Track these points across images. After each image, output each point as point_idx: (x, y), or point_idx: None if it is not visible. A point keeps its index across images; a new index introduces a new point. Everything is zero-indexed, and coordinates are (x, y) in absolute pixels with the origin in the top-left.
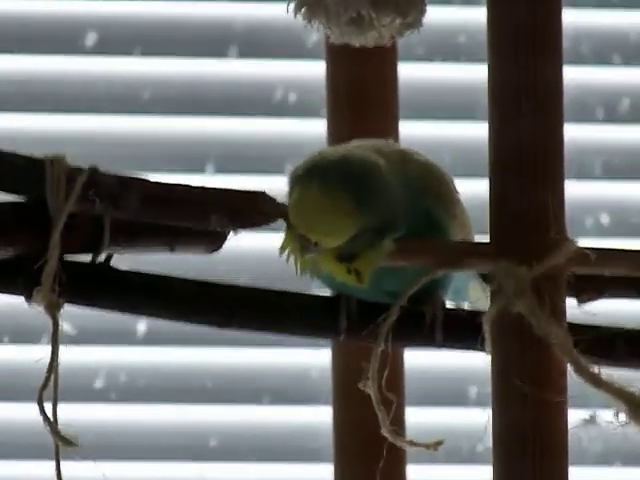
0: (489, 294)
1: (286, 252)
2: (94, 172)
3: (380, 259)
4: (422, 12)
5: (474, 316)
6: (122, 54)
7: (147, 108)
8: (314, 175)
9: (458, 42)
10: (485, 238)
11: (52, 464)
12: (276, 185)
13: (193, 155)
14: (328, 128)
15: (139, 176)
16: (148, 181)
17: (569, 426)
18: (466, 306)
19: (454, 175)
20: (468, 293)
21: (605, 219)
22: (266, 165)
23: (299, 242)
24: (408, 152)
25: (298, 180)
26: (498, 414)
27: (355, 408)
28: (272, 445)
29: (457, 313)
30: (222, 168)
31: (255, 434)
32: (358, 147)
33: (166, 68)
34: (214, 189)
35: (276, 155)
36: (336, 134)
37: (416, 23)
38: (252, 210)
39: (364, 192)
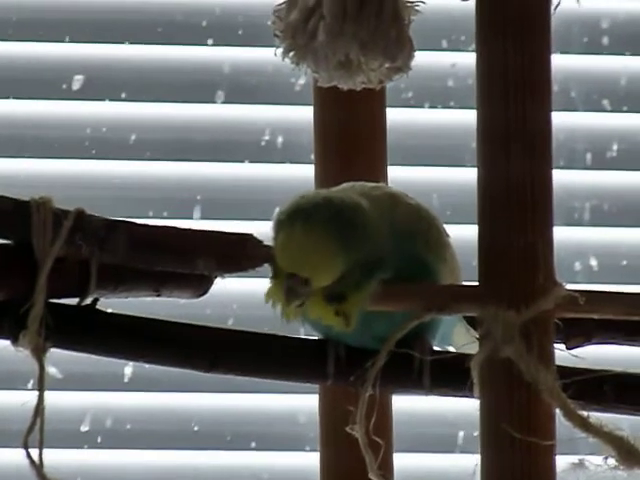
0: (476, 339)
1: (271, 300)
2: (81, 215)
3: (367, 301)
4: (411, 56)
5: (462, 361)
6: (109, 98)
7: (134, 152)
8: (297, 217)
9: (447, 86)
10: (474, 283)
11: None
12: (264, 230)
13: (180, 200)
14: (316, 172)
15: (125, 220)
16: (135, 224)
17: (558, 471)
18: (452, 351)
19: (443, 220)
20: (453, 338)
21: (594, 263)
22: (254, 210)
23: (287, 285)
24: (398, 195)
25: (282, 224)
26: (487, 459)
27: (343, 453)
28: None
29: (445, 358)
30: (209, 213)
31: (243, 479)
32: (341, 190)
33: (153, 112)
34: (202, 232)
35: (264, 200)
36: (324, 178)
37: (405, 67)
38: (240, 254)
39: (347, 229)
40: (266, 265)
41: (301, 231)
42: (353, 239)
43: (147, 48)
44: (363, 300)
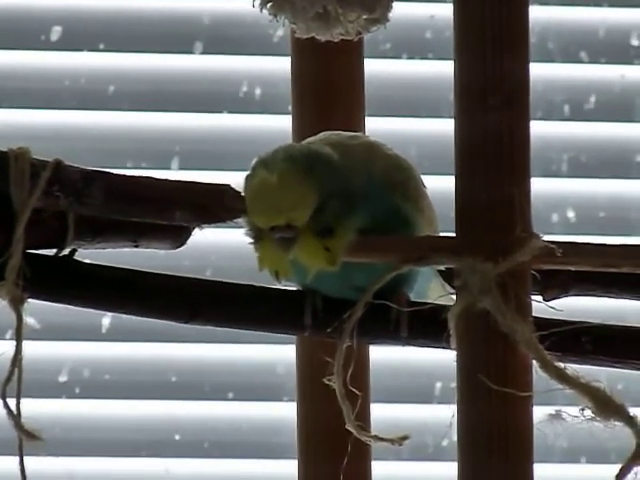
0: (450, 292)
1: (267, 268)
2: (58, 166)
3: (353, 235)
4: (388, 8)
5: (439, 312)
6: (87, 49)
7: (112, 103)
8: (258, 168)
9: (425, 38)
10: (451, 234)
11: (16, 459)
12: (242, 181)
13: (158, 150)
14: (294, 123)
15: (103, 171)
16: (113, 175)
17: (535, 422)
18: (429, 302)
19: (421, 171)
20: (428, 293)
21: (571, 215)
22: (232, 161)
23: (276, 238)
24: (376, 145)
25: (246, 181)
26: (463, 410)
27: (320, 403)
28: (237, 440)
29: (422, 309)
30: (187, 163)
31: (220, 429)
32: (316, 140)
33: (131, 63)
34: (179, 183)
35: (242, 150)
36: (302, 129)
37: (382, 19)
38: (217, 205)
39: (309, 162)
40: (244, 221)
41: (263, 179)
42: (317, 170)
43: None
44: (349, 234)
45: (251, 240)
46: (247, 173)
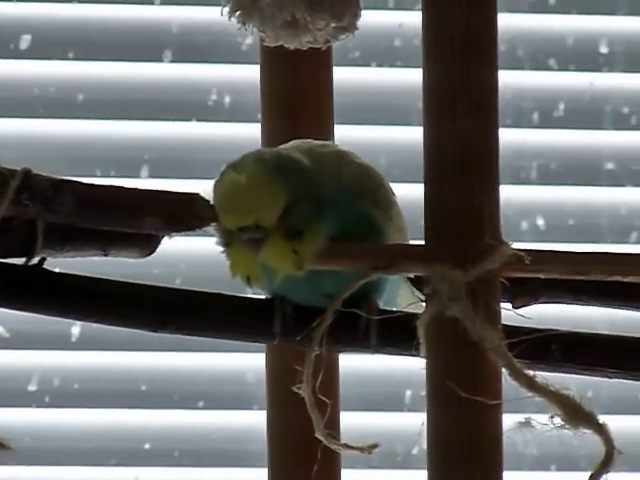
0: (422, 299)
1: (238, 274)
2: (27, 175)
3: (322, 239)
4: (357, 16)
5: (409, 320)
6: (56, 57)
7: (81, 112)
8: (227, 171)
9: (394, 46)
10: (421, 243)
11: None
12: (211, 189)
13: (128, 159)
14: (263, 131)
15: (72, 179)
16: (82, 183)
17: (504, 430)
18: (399, 310)
19: (390, 179)
20: (397, 300)
21: (541, 223)
22: (201, 169)
23: (245, 239)
24: (345, 153)
25: (215, 185)
26: (433, 418)
27: (290, 412)
28: (207, 449)
29: (391, 317)
30: (157, 172)
31: (190, 438)
32: (286, 147)
33: (100, 72)
34: (148, 191)
35: (211, 159)
36: (271, 137)
37: (351, 27)
38: (186, 214)
39: (279, 164)
40: (214, 227)
41: (232, 180)
42: (286, 172)
43: (95, 7)
44: (317, 238)
45: (222, 247)
46: (216, 178)
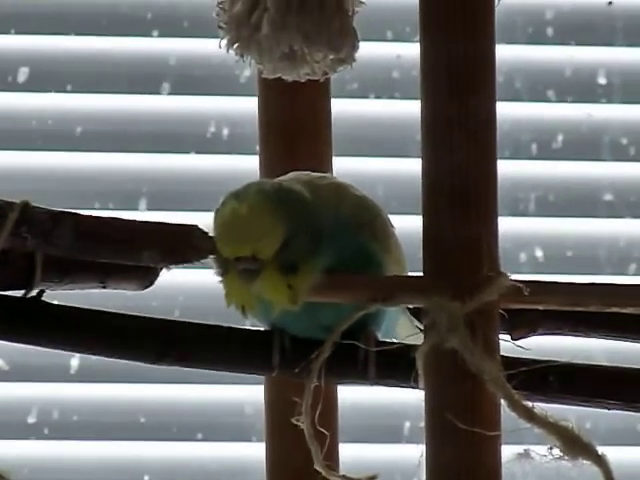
0: (421, 329)
1: (233, 303)
2: (26, 207)
3: (317, 275)
4: (355, 47)
5: (407, 352)
6: (54, 90)
7: (79, 144)
8: (228, 199)
9: (392, 77)
10: (419, 274)
11: None
12: (209, 221)
13: (126, 191)
14: (261, 163)
15: (71, 212)
16: (80, 216)
17: (503, 461)
18: (397, 342)
19: (388, 211)
20: (396, 330)
21: (539, 254)
22: (200, 201)
23: (239, 269)
24: (343, 185)
25: (216, 213)
26: (432, 450)
27: (288, 443)
28: None
29: (390, 349)
30: (155, 204)
31: (188, 470)
32: (286, 179)
33: (99, 104)
34: (146, 223)
35: (210, 191)
36: (269, 169)
37: (348, 58)
38: (184, 246)
39: (280, 197)
40: (211, 257)
41: (232, 209)
42: (287, 205)
43: (92, 40)
44: (313, 273)
45: (219, 276)
46: (218, 206)
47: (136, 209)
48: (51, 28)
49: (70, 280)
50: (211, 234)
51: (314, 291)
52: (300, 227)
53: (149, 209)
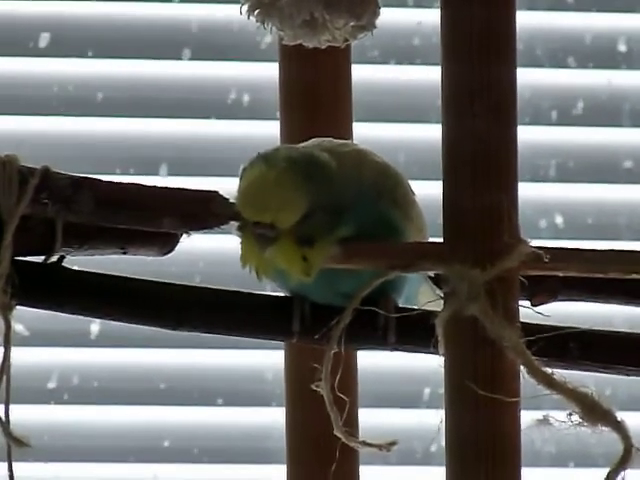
0: (442, 296)
1: (248, 263)
2: (46, 173)
3: (333, 249)
4: (376, 14)
5: (427, 318)
6: (75, 56)
7: (100, 110)
8: (257, 162)
9: (412, 44)
10: (439, 241)
11: (4, 465)
12: (230, 187)
13: (147, 157)
14: (282, 130)
15: (91, 177)
16: (100, 182)
17: (522, 427)
18: (417, 308)
19: (409, 177)
20: (418, 297)
21: (559, 221)
22: (220, 167)
23: (257, 232)
24: (365, 152)
25: (244, 172)
26: (451, 416)
27: (308, 409)
28: (226, 446)
29: (410, 315)
30: (176, 170)
31: (209, 435)
32: (308, 145)
33: (120, 70)
34: (167, 189)
35: (230, 157)
36: (290, 136)
37: (369, 25)
38: (205, 212)
39: (307, 169)
40: (232, 223)
41: (260, 173)
42: (314, 179)
43: (115, 5)
44: (330, 247)
45: (238, 232)
46: (246, 165)
47: (157, 175)
48: None
49: (90, 246)
50: (232, 199)
51: (332, 259)
52: (323, 200)
53: (169, 175)
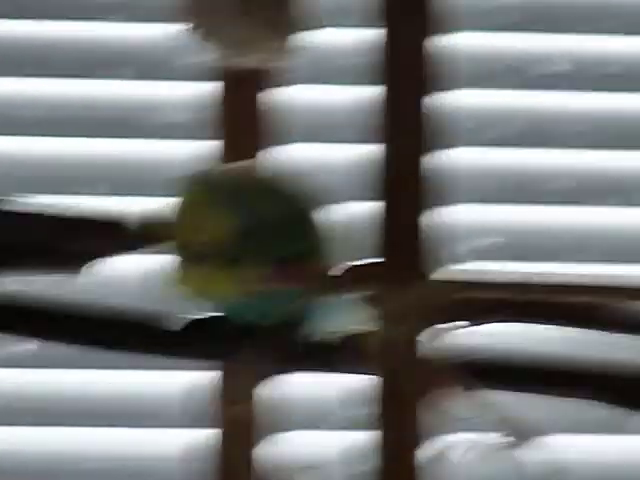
0: (370, 318)
1: (176, 284)
2: None
3: (263, 268)
4: (310, 35)
5: (355, 340)
6: (9, 75)
7: (34, 129)
8: (190, 182)
9: (349, 64)
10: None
11: None
12: (157, 206)
13: (84, 176)
14: (214, 150)
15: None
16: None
17: (450, 447)
18: (345, 330)
19: (344, 195)
20: (345, 318)
21: (497, 241)
22: (156, 186)
23: (182, 255)
24: (294, 179)
25: (176, 192)
26: (381, 433)
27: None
28: None
29: (337, 337)
30: (113, 189)
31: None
32: (240, 166)
33: (47, 89)
34: (82, 213)
35: (156, 177)
36: (223, 156)
37: (302, 46)
38: (125, 234)
39: (241, 190)
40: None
41: (192, 194)
42: (246, 202)
43: (35, 24)
44: (258, 268)
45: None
46: (178, 185)
47: (94, 194)
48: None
49: (10, 267)
50: (157, 219)
51: (260, 281)
52: (252, 223)
53: (107, 194)
